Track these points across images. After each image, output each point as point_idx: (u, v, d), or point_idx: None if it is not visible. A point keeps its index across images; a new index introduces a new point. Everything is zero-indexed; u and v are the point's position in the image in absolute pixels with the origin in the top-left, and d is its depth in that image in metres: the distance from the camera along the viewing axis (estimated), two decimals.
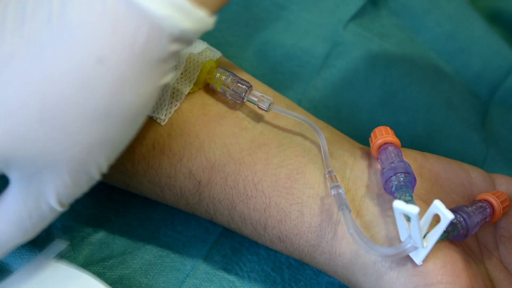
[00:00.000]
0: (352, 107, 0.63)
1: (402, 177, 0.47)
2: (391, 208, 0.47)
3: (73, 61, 0.38)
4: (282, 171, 0.49)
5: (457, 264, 0.46)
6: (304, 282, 0.54)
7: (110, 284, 0.52)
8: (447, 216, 0.43)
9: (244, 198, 0.49)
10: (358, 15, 0.66)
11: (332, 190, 0.47)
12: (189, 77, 0.50)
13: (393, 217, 0.47)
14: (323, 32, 0.65)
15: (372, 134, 0.50)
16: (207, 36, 0.63)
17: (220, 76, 0.50)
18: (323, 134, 0.50)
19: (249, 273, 0.54)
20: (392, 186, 0.47)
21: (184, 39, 0.39)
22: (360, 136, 0.60)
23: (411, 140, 0.61)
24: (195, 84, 0.50)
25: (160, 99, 0.49)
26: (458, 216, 0.48)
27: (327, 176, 0.48)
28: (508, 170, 0.62)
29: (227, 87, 0.50)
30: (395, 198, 0.46)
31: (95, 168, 0.41)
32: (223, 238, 0.55)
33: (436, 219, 0.44)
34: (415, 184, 0.47)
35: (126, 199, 0.56)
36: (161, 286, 0.53)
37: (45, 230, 0.54)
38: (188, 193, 0.50)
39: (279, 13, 0.66)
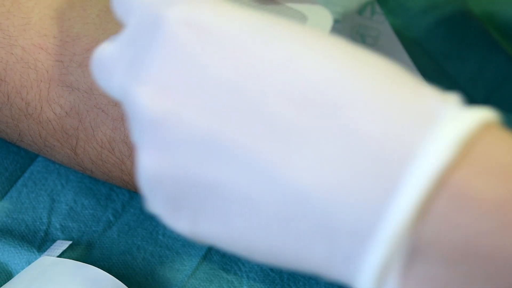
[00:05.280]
0: None
1: None
2: None
3: None
4: None
5: None
6: (303, 281, 0.54)
7: None
8: None
9: None
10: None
11: None
12: None
13: None
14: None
15: None
16: None
17: None
18: None
19: (248, 273, 0.54)
20: None
21: None
22: None
23: None
24: None
25: None
26: None
27: None
28: None
29: None
30: None
31: None
32: None
33: None
34: None
35: (125, 199, 0.56)
36: (160, 286, 0.53)
37: (43, 230, 0.54)
38: None
39: None
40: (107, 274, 0.48)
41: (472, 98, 0.67)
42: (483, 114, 0.31)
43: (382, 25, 0.62)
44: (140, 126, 0.33)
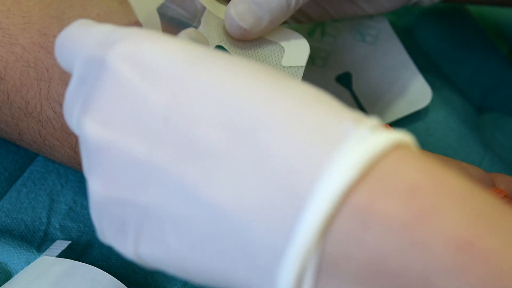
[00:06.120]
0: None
1: None
2: None
3: None
4: None
5: None
6: None
7: None
8: None
9: None
10: None
11: None
12: None
13: None
14: None
15: None
16: None
17: None
18: None
19: None
20: None
21: None
22: None
23: None
24: None
25: None
26: None
27: None
28: (505, 172, 0.62)
29: None
30: None
31: None
32: None
33: None
34: None
35: None
36: (159, 286, 0.53)
37: (43, 230, 0.54)
38: None
39: None
40: (106, 274, 0.48)
41: (469, 98, 0.67)
42: (394, 136, 0.32)
43: (381, 24, 0.62)
44: (87, 154, 0.36)
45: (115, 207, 0.35)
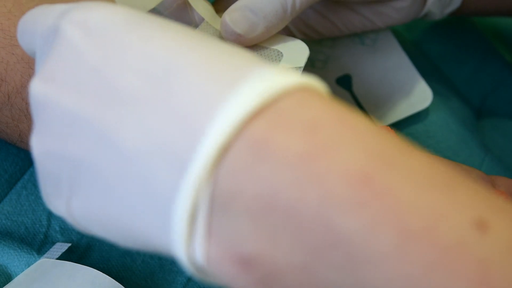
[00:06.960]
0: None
1: None
2: None
3: None
4: None
5: None
6: None
7: None
8: None
9: None
10: None
11: None
12: None
13: None
14: None
15: None
16: None
17: None
18: None
19: None
20: None
21: None
22: None
23: (410, 140, 0.62)
24: None
25: None
26: None
27: None
28: (505, 174, 0.62)
29: None
30: None
31: None
32: None
33: None
34: None
35: None
36: None
37: (43, 232, 0.54)
38: None
39: None
40: (107, 276, 0.48)
41: (469, 100, 0.67)
42: (302, 79, 0.32)
43: None
44: (32, 113, 0.36)
45: (51, 162, 0.35)
